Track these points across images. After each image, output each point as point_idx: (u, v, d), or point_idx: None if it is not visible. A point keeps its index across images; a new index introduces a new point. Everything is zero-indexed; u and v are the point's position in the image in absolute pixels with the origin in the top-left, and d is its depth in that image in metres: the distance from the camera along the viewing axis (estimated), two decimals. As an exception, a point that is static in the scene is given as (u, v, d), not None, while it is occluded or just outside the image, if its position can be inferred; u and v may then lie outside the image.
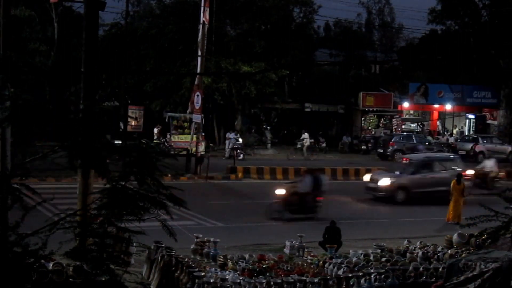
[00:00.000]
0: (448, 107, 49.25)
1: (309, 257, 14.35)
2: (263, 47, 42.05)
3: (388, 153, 40.09)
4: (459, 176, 22.05)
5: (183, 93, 39.53)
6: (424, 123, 51.93)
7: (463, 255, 12.52)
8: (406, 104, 49.84)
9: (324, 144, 43.83)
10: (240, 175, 30.09)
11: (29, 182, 6.40)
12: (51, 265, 10.08)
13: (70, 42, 37.67)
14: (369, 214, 23.12)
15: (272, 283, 11.39)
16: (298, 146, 41.11)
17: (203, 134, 33.57)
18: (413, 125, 51.64)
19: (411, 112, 52.32)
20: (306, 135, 41.09)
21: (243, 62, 40.18)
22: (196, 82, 32.63)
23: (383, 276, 11.88)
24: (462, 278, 9.21)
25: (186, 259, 12.38)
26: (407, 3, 68.75)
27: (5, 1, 10.49)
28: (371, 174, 27.87)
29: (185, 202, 6.89)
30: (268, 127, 45.40)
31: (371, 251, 14.12)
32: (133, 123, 41.76)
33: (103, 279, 6.41)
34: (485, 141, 41.92)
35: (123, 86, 35.70)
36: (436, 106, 50.12)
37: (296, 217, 20.87)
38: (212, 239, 14.30)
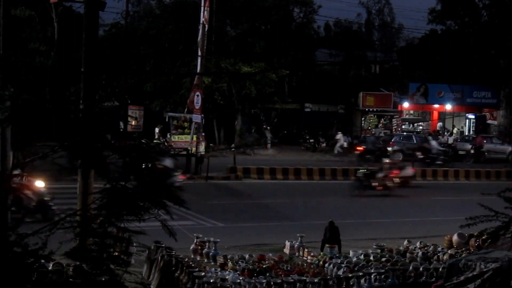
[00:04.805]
0: (448, 107, 49.21)
1: (309, 257, 14.35)
2: (263, 47, 42.03)
3: (388, 153, 40.04)
4: None
5: (183, 93, 39.51)
6: (421, 123, 51.86)
7: (463, 255, 12.51)
8: (406, 104, 49.81)
9: (324, 144, 43.85)
10: (240, 175, 30.07)
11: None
12: (51, 265, 10.08)
13: (70, 42, 37.63)
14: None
15: (272, 283, 11.39)
16: (337, 149, 42.11)
17: (203, 134, 33.54)
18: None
19: (411, 112, 52.30)
20: (340, 135, 43.05)
21: (243, 62, 40.16)
22: (195, 82, 32.58)
23: (383, 276, 11.88)
24: (462, 278, 9.21)
25: (186, 259, 12.38)
26: (407, 3, 68.83)
27: (5, 1, 10.48)
28: None
29: (185, 202, 6.88)
30: (268, 127, 45.34)
31: (371, 251, 14.11)
32: (133, 123, 41.73)
33: (103, 279, 6.40)
34: (485, 141, 41.90)
35: (123, 86, 35.67)
36: (436, 106, 50.10)
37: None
38: (212, 239, 14.29)
